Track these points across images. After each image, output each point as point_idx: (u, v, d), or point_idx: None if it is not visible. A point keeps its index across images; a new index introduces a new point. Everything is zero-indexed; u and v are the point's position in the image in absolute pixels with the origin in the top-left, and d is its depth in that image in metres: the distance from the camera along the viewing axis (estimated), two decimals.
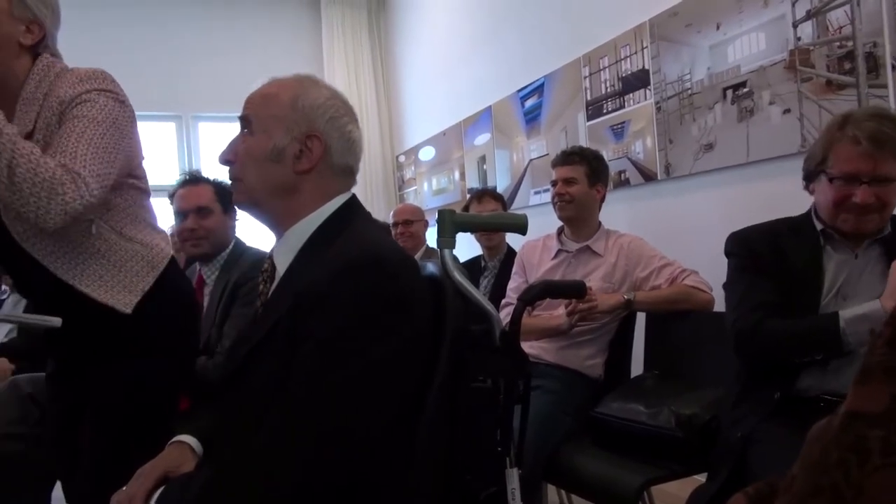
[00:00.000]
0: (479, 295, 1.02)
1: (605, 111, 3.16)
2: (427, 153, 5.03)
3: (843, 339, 1.32)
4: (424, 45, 5.08)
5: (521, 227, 1.07)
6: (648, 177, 2.91)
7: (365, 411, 0.90)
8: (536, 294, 1.12)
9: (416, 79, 5.25)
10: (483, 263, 2.86)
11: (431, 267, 1.12)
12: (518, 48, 3.87)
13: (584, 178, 2.16)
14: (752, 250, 1.50)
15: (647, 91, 2.88)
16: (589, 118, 3.27)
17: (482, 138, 4.25)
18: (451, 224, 1.00)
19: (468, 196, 4.36)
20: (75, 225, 1.24)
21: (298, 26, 5.58)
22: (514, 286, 2.28)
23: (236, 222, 2.16)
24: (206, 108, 5.24)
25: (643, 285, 2.05)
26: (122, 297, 1.30)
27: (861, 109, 1.84)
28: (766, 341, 1.42)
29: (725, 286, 1.56)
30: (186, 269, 2.55)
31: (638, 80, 2.94)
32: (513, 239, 2.87)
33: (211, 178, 2.14)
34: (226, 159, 1.10)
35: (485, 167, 4.24)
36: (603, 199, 2.22)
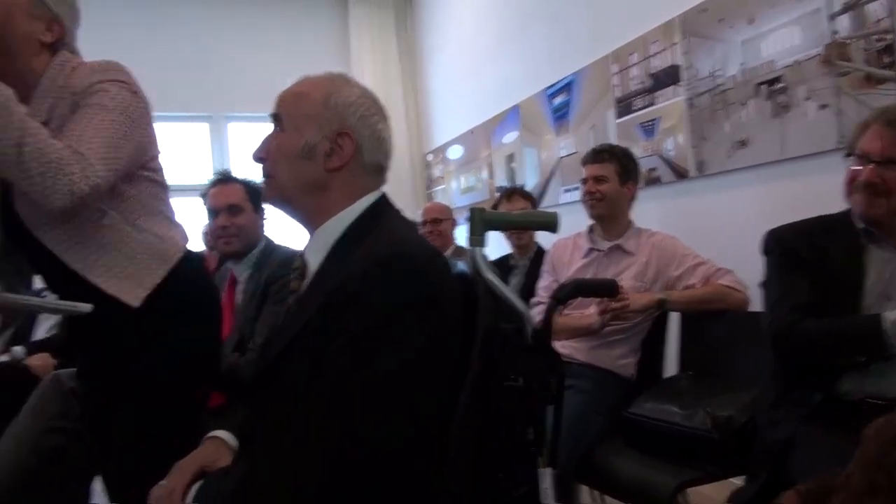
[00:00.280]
0: (511, 293, 1.02)
1: (634, 108, 3.12)
2: (455, 152, 5.02)
3: (887, 342, 1.28)
4: (451, 43, 5.08)
5: (551, 226, 1.06)
6: (680, 174, 2.87)
7: (394, 411, 0.90)
8: (568, 293, 1.11)
9: (444, 77, 5.25)
10: (512, 262, 2.85)
11: (462, 265, 1.12)
12: (546, 45, 3.84)
13: (614, 175, 2.13)
14: (791, 248, 1.47)
15: (678, 87, 2.84)
16: (618, 115, 3.23)
17: (510, 136, 4.24)
18: (481, 222, 1.00)
19: (496, 195, 4.36)
20: (86, 214, 1.25)
21: (326, 26, 5.62)
22: (544, 285, 2.27)
23: (265, 221, 2.18)
24: (237, 109, 5.31)
25: (676, 284, 2.02)
26: (132, 289, 1.29)
27: None
28: (804, 342, 1.39)
29: (762, 285, 1.53)
30: (218, 268, 2.59)
31: (668, 77, 2.90)
32: (542, 238, 2.85)
33: (241, 177, 2.16)
34: (258, 157, 1.11)
35: (513, 165, 4.22)
36: (634, 197, 2.19)
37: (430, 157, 5.50)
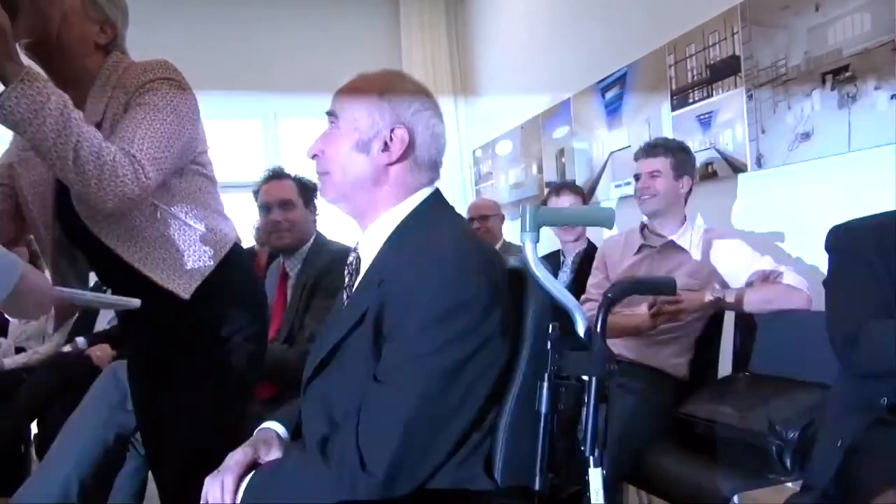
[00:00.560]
0: (564, 290, 1.00)
1: (691, 100, 3.03)
2: (504, 147, 4.99)
3: None
4: (502, 37, 5.04)
5: (606, 221, 1.03)
6: (738, 168, 2.77)
7: (449, 408, 0.91)
8: (624, 290, 1.09)
9: (494, 72, 5.21)
10: (562, 258, 2.82)
11: (514, 261, 1.11)
12: (599, 38, 3.77)
13: (668, 170, 2.08)
14: (858, 246, 1.40)
15: (738, 78, 2.74)
16: (674, 108, 3.15)
17: (561, 131, 4.18)
18: (534, 218, 0.98)
19: (546, 190, 4.31)
20: (139, 209, 1.28)
21: (377, 22, 5.65)
22: (595, 282, 2.23)
23: (317, 217, 2.21)
24: (289, 106, 5.40)
25: (733, 283, 1.96)
26: (183, 281, 1.32)
27: None
28: (871, 346, 1.32)
29: (826, 284, 1.46)
30: (270, 263, 2.64)
31: (728, 67, 2.80)
32: (593, 233, 2.81)
33: (293, 173, 2.19)
34: (314, 153, 1.13)
35: (563, 160, 4.17)
36: (689, 192, 2.13)
37: (478, 153, 5.48)
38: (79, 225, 1.30)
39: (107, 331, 2.82)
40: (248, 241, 4.94)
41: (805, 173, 2.48)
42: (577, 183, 3.65)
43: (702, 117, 2.97)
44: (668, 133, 3.13)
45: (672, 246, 2.08)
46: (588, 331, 1.01)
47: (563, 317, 1.06)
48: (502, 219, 3.50)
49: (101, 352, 2.66)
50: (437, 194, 1.12)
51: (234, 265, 1.41)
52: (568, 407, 1.02)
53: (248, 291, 1.47)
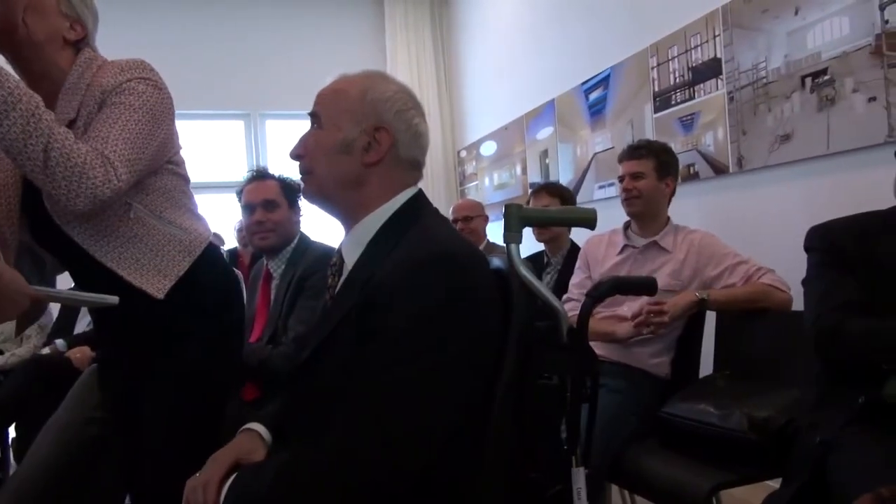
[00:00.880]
0: (547, 291, 1.00)
1: (673, 102, 3.07)
2: (488, 148, 5.01)
3: None
4: (487, 39, 5.06)
5: (589, 222, 1.04)
6: (719, 170, 2.81)
7: (433, 409, 0.91)
8: (606, 290, 1.09)
9: (479, 73, 5.23)
10: (546, 259, 2.83)
11: (497, 262, 1.11)
12: (583, 39, 3.79)
13: (652, 172, 2.09)
14: (836, 245, 1.42)
15: (719, 81, 2.78)
16: (656, 110, 3.18)
17: (545, 132, 4.20)
18: (517, 219, 0.99)
19: (530, 191, 4.33)
20: (112, 208, 1.27)
21: (362, 22, 5.65)
22: (577, 282, 2.24)
23: (301, 218, 2.20)
24: (273, 106, 5.37)
25: (715, 283, 1.98)
26: (157, 281, 1.30)
27: None
28: (849, 342, 1.34)
29: (805, 283, 1.48)
30: (253, 264, 2.61)
31: (709, 70, 2.84)
32: (577, 234, 2.82)
33: (278, 174, 2.18)
34: (296, 153, 1.12)
35: (547, 161, 4.19)
36: (673, 193, 2.15)
37: (463, 154, 5.49)
38: (50, 225, 1.28)
39: (86, 333, 2.79)
40: (231, 242, 4.93)
41: (785, 175, 2.51)
42: (552, 182, 3.66)
43: (684, 119, 3.00)
44: (650, 135, 3.16)
45: (655, 246, 2.10)
46: (570, 331, 1.02)
47: (546, 317, 1.07)
48: (486, 219, 3.51)
49: (80, 354, 2.63)
50: (419, 195, 1.12)
51: (209, 264, 1.40)
52: (551, 407, 1.03)
53: (222, 290, 1.46)
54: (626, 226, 2.20)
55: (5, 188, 1.31)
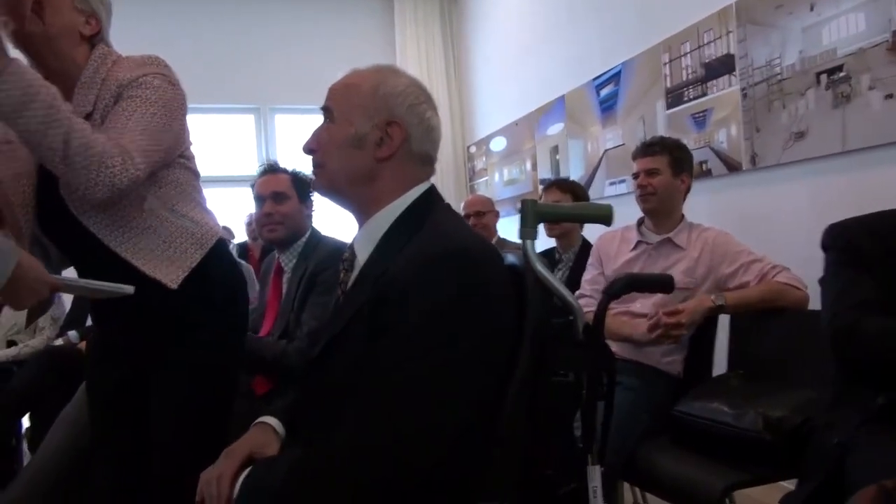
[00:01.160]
0: (562, 287, 1.00)
1: (685, 99, 3.04)
2: (498, 143, 4.99)
3: None
4: (497, 34, 5.04)
5: (605, 218, 1.03)
6: (732, 167, 2.79)
7: (444, 406, 0.90)
8: (621, 287, 1.08)
9: (489, 69, 5.21)
10: (557, 255, 2.81)
11: (512, 258, 1.10)
12: (594, 35, 3.77)
13: (666, 168, 2.08)
14: (853, 243, 1.40)
15: (733, 77, 2.75)
16: (668, 106, 3.16)
17: (555, 128, 4.18)
18: (533, 214, 0.98)
19: (540, 187, 4.31)
20: (127, 200, 1.29)
21: (371, 17, 5.64)
22: (589, 278, 2.23)
23: (313, 212, 2.20)
24: (283, 101, 5.38)
25: (729, 281, 1.96)
26: (170, 272, 1.32)
27: None
28: (865, 341, 1.33)
29: (822, 281, 1.46)
30: (263, 257, 2.61)
31: (722, 66, 2.81)
32: (588, 231, 2.81)
33: (290, 167, 2.18)
34: (308, 148, 1.12)
35: (557, 157, 4.17)
36: (688, 190, 2.14)
37: (472, 149, 5.48)
38: (64, 216, 1.29)
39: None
40: (241, 236, 4.94)
41: (799, 172, 2.49)
42: (563, 178, 3.64)
43: (696, 116, 2.98)
44: (662, 131, 3.14)
45: (669, 243, 2.08)
46: (586, 328, 1.01)
47: (560, 314, 1.07)
48: (497, 215, 3.50)
49: None
50: (432, 190, 1.12)
51: (218, 258, 1.42)
52: (565, 404, 1.02)
53: (230, 284, 1.48)
54: (640, 222, 2.19)
55: (21, 178, 1.32)
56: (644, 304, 2.03)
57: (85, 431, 1.80)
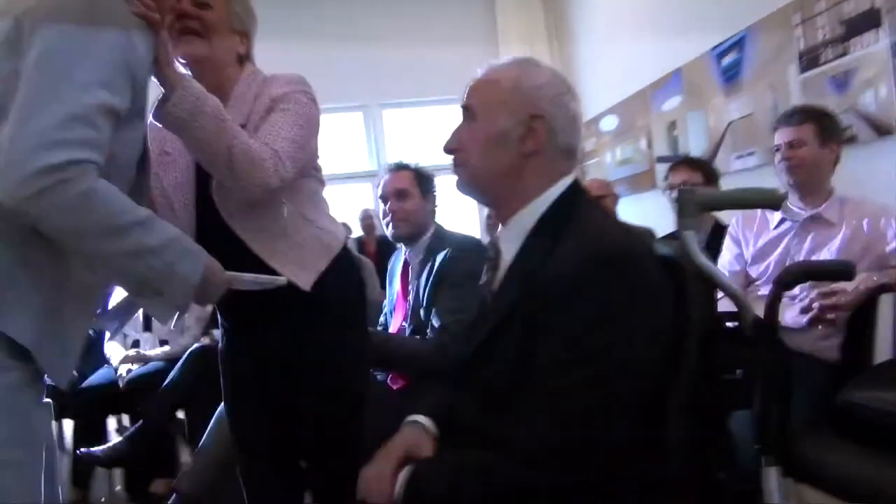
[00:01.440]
0: (727, 279, 0.93)
1: (822, 61, 2.79)
2: (609, 123, 4.82)
3: None
4: (603, 8, 4.86)
5: (775, 202, 0.96)
6: (883, 131, 2.53)
7: (617, 409, 0.89)
8: (796, 276, 1.00)
9: (594, 45, 5.03)
10: None
11: (664, 249, 1.05)
12: (710, 2, 3.55)
13: (813, 138, 1.92)
14: None
15: (880, 32, 2.50)
16: (802, 70, 2.91)
17: (671, 102, 3.98)
18: (693, 204, 0.92)
19: (657, 166, 4.13)
20: (269, 205, 1.38)
21: (470, 2, 5.58)
22: (728, 261, 2.10)
23: (436, 207, 2.21)
24: (390, 96, 5.45)
25: (892, 260, 1.79)
26: (303, 275, 1.40)
27: None
28: None
29: None
30: (379, 251, 2.66)
31: (866, 22, 2.55)
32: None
33: (413, 164, 2.20)
34: (450, 148, 1.12)
35: (675, 133, 3.97)
36: (837, 160, 1.96)
37: (581, 130, 5.33)
38: (216, 222, 1.39)
39: None
40: (357, 231, 5.09)
41: None
42: (693, 156, 3.46)
43: (836, 78, 2.73)
44: (796, 98, 2.91)
45: (818, 219, 1.92)
46: (756, 322, 0.94)
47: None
48: (616, 198, 3.37)
49: None
50: (576, 183, 1.09)
51: (344, 264, 1.50)
52: (735, 404, 0.96)
53: (355, 287, 1.56)
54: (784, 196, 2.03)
55: (182, 187, 1.44)
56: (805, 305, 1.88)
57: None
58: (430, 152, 5.35)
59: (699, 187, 0.91)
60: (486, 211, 4.11)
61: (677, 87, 3.90)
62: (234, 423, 1.63)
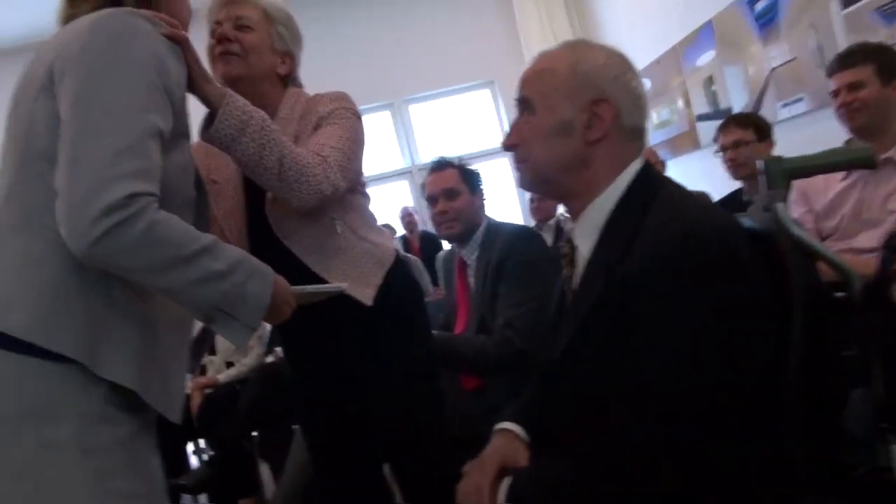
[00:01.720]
0: (828, 251, 0.87)
1: None
2: None
3: None
4: None
5: (869, 161, 0.89)
6: None
7: (725, 402, 0.84)
8: None
9: (618, 8, 4.89)
10: (743, 199, 2.57)
11: (748, 221, 0.99)
12: None
13: (873, 78, 1.81)
14: None
15: None
16: (846, 5, 2.77)
17: (705, 57, 3.85)
18: (781, 173, 0.87)
19: (698, 124, 4.00)
20: (324, 221, 1.39)
21: None
22: (795, 218, 2.01)
23: (485, 201, 2.17)
24: (414, 90, 5.41)
25: None
26: (362, 290, 1.40)
27: None
28: None
29: None
30: (423, 247, 2.62)
31: None
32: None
33: (456, 160, 2.16)
34: (510, 144, 1.07)
35: (713, 88, 3.84)
36: None
37: None
38: (270, 245, 1.38)
39: None
40: (398, 230, 5.08)
41: None
42: (736, 110, 3.33)
43: (884, 9, 2.59)
44: (840, 36, 2.77)
45: (890, 164, 1.81)
46: (866, 288, 0.88)
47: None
48: (663, 165, 3.28)
49: None
50: (647, 166, 1.03)
51: (399, 273, 1.50)
52: (852, 380, 0.90)
53: (412, 296, 1.56)
54: (847, 144, 1.93)
55: (233, 214, 1.44)
56: (870, 236, 1.79)
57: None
58: (460, 141, 5.40)
59: (781, 157, 0.85)
60: (527, 195, 4.05)
61: (710, 40, 3.77)
62: (311, 442, 1.64)
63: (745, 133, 2.42)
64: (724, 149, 2.44)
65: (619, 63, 1.02)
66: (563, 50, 1.05)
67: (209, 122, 1.20)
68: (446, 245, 2.49)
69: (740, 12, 3.44)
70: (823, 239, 1.95)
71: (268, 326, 3.25)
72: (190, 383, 3.01)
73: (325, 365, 1.51)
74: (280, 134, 1.26)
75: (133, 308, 0.96)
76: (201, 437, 3.15)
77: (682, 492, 0.85)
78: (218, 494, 2.89)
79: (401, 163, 5.54)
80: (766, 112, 3.39)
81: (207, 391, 2.98)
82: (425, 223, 4.56)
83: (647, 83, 4.58)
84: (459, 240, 2.13)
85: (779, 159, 0.89)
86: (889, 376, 0.87)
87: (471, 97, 5.45)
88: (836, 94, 1.88)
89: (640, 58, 4.56)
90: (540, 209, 3.53)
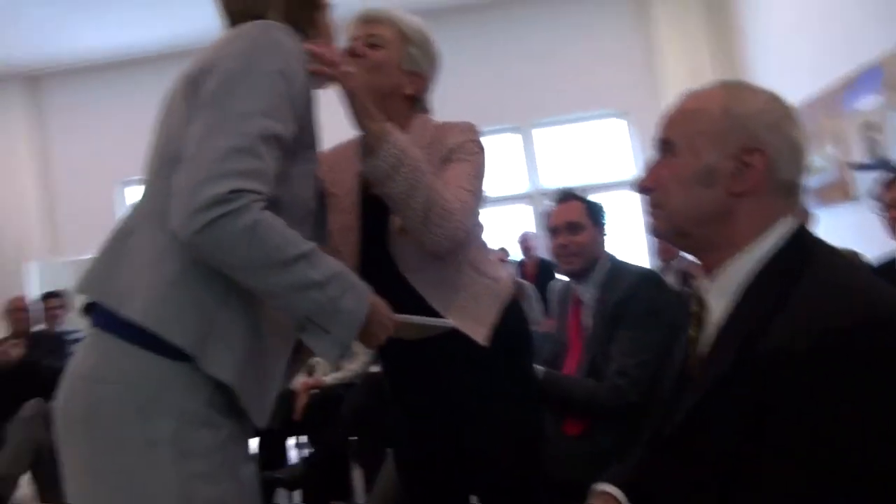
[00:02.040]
0: None
1: None
2: None
3: None
4: (773, 4, 4.45)
5: None
6: None
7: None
8: None
9: (770, 42, 4.61)
10: None
11: None
12: None
13: None
14: None
15: None
16: None
17: (867, 101, 3.53)
18: None
19: (853, 173, 3.67)
20: (451, 261, 1.36)
21: (622, 16, 5.35)
22: None
23: (605, 236, 2.09)
24: (542, 114, 5.38)
25: None
26: (477, 328, 1.36)
27: None
28: None
29: None
30: (538, 273, 2.55)
31: None
32: None
33: (581, 194, 2.10)
34: (645, 187, 1.01)
35: (875, 136, 3.51)
36: None
37: None
38: (390, 273, 1.36)
39: None
40: (516, 254, 5.04)
41: None
42: None
43: None
44: None
45: None
46: None
47: None
48: (813, 219, 2.99)
49: None
50: (803, 229, 0.93)
51: (513, 309, 1.46)
52: None
53: (523, 332, 1.52)
54: None
55: (348, 232, 1.42)
56: None
57: None
58: (586, 169, 5.29)
59: None
60: None
61: (874, 83, 3.45)
62: (401, 465, 1.62)
63: None
64: (887, 206, 2.21)
65: (778, 109, 0.94)
66: (717, 90, 0.98)
67: (366, 155, 1.24)
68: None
69: None
70: None
71: None
72: (298, 383, 3.13)
73: (428, 396, 1.49)
74: (431, 176, 1.26)
75: (244, 310, 0.99)
76: (303, 434, 3.26)
77: None
78: (312, 493, 2.96)
79: (524, 186, 5.52)
80: None
81: (313, 391, 3.08)
82: (543, 249, 4.50)
83: None
84: (578, 275, 2.06)
85: None
86: None
87: (598, 125, 5.34)
88: None
89: (788, 97, 4.27)
90: (665, 249, 3.38)
